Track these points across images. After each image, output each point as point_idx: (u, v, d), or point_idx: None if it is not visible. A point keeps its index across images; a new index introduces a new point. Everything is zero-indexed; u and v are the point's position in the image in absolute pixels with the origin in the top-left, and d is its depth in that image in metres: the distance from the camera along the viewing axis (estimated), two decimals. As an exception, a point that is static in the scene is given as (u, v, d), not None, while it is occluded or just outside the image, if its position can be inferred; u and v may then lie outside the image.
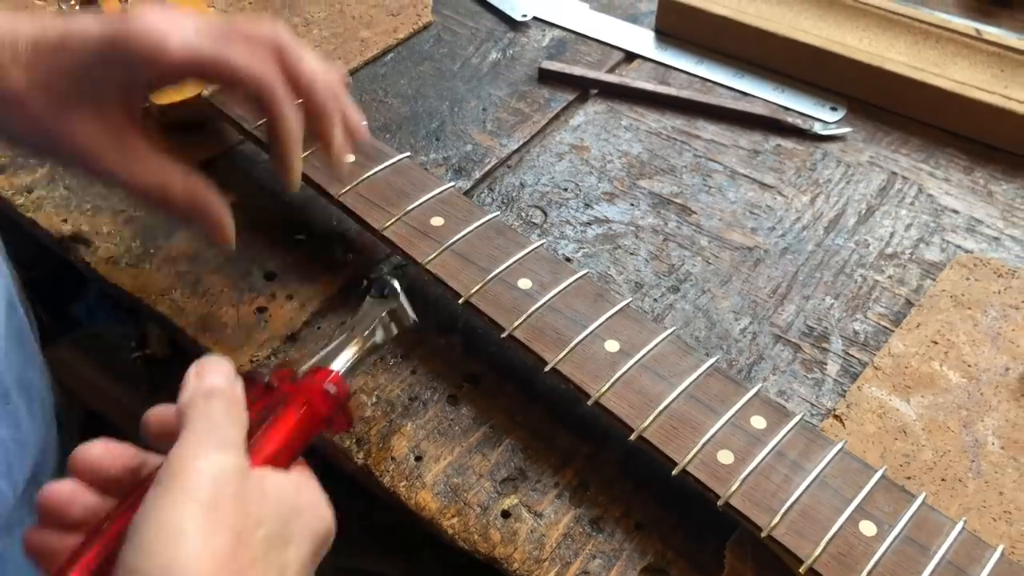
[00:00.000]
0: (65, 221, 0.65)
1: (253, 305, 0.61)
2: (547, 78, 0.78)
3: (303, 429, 0.41)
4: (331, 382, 0.43)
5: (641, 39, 0.82)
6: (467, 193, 0.68)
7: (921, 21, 0.77)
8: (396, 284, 0.48)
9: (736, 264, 0.64)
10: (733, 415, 0.48)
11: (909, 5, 0.83)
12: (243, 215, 0.64)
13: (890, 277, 0.64)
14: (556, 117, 0.75)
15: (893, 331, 0.60)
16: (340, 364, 0.45)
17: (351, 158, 0.60)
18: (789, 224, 0.67)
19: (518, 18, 0.83)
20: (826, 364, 0.58)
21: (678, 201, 0.68)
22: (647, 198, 0.68)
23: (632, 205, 0.68)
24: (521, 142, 0.72)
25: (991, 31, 0.78)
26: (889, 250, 0.66)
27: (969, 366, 0.57)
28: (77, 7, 0.76)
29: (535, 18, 0.84)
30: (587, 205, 0.67)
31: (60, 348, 0.89)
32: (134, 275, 0.62)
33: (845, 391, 0.56)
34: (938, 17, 0.79)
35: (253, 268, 0.63)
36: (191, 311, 0.60)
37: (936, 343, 0.58)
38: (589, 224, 0.66)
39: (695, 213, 0.68)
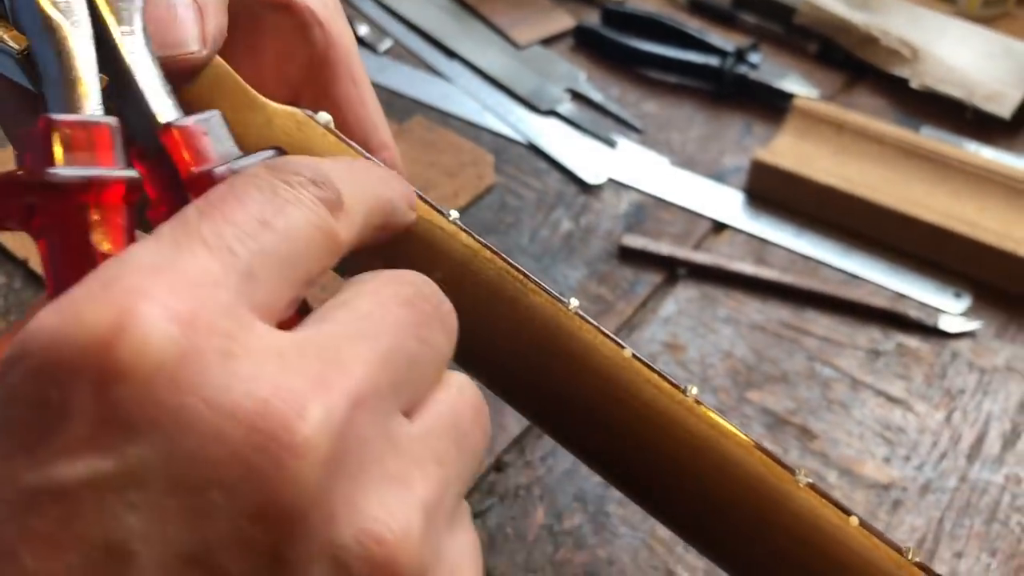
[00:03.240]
0: None
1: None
2: (629, 256, 0.69)
3: None
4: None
5: (730, 204, 0.73)
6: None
7: (1050, 193, 0.69)
8: None
9: (872, 508, 0.55)
10: None
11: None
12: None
13: (1053, 525, 0.54)
14: (643, 305, 0.66)
15: (1068, 603, 0.50)
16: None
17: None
18: (926, 451, 0.58)
19: (590, 180, 0.74)
20: (1001, 658, 0.48)
21: (796, 421, 0.59)
22: (760, 416, 0.59)
23: (743, 426, 0.58)
24: (606, 338, 0.63)
25: None
26: (1047, 487, 0.56)
27: None
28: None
29: (609, 179, 0.75)
30: (691, 428, 0.58)
31: None
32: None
33: None
34: (1068, 187, 0.70)
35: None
36: None
37: None
38: (696, 455, 0.57)
39: (818, 438, 0.58)
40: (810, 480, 0.31)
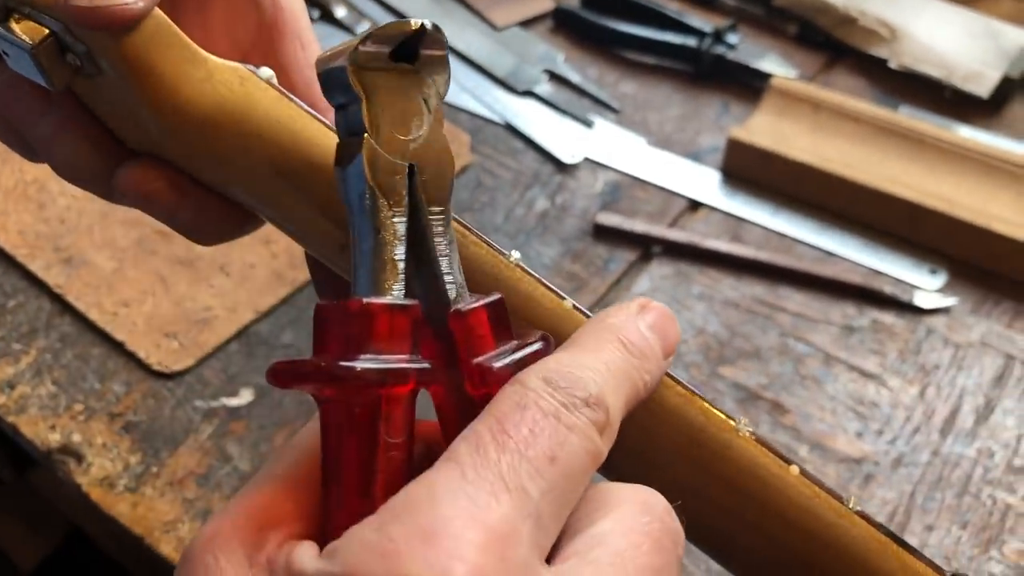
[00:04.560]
0: (53, 428, 0.55)
1: (275, 545, 0.51)
2: (604, 233, 0.68)
3: None
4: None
5: (706, 183, 0.73)
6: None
7: (1027, 169, 0.68)
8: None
9: (844, 483, 0.54)
10: None
11: (1003, 139, 0.75)
12: (256, 417, 0.55)
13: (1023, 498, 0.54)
14: (616, 282, 0.66)
15: (1039, 575, 0.50)
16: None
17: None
18: (899, 426, 0.58)
19: (566, 160, 0.74)
20: (969, 629, 0.48)
21: (768, 396, 0.59)
22: (732, 392, 0.59)
23: (715, 401, 0.58)
24: (579, 315, 0.63)
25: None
26: (1018, 461, 0.56)
27: None
28: None
29: (586, 158, 0.74)
30: (663, 403, 0.58)
31: None
32: (133, 503, 0.52)
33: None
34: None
35: (274, 493, 0.53)
36: (201, 553, 0.50)
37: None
38: (667, 429, 0.56)
39: (790, 412, 0.58)
40: (752, 430, 0.30)
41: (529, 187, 0.72)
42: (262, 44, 0.37)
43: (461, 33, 0.84)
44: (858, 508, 0.30)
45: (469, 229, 0.31)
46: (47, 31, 0.29)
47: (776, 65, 0.80)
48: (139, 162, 0.33)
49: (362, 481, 0.24)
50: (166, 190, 0.33)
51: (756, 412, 0.58)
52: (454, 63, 0.81)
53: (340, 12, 0.85)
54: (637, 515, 0.25)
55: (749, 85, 0.80)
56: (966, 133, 0.76)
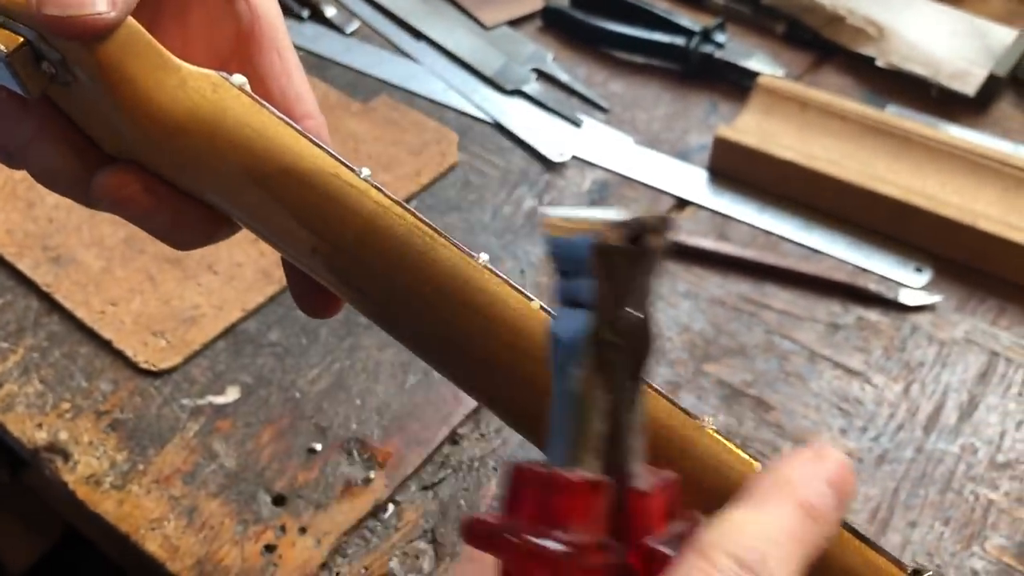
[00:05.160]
0: (40, 426, 0.56)
1: (260, 542, 0.51)
2: (591, 232, 0.68)
3: None
4: None
5: (693, 181, 0.73)
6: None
7: (1012, 166, 0.69)
8: None
9: (827, 479, 0.55)
10: None
11: (989, 137, 0.75)
12: (243, 415, 0.55)
13: (1007, 494, 0.54)
14: (603, 280, 0.66)
15: (1019, 571, 0.50)
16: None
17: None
18: (883, 423, 0.58)
19: (555, 158, 0.74)
20: (950, 624, 0.48)
21: (753, 393, 0.59)
22: (716, 388, 0.59)
23: (699, 399, 0.59)
24: (565, 313, 0.63)
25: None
26: (1001, 457, 0.56)
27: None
28: None
29: (574, 157, 0.75)
30: (648, 400, 0.58)
31: None
32: (119, 500, 0.53)
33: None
34: (1030, 162, 0.70)
35: (259, 491, 0.53)
36: (186, 550, 0.50)
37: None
38: (652, 426, 0.57)
39: (775, 409, 0.58)
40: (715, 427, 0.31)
41: (517, 186, 0.73)
42: (240, 53, 0.38)
43: (451, 32, 0.85)
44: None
45: (437, 231, 0.31)
46: (21, 39, 0.29)
47: (764, 64, 0.80)
48: (116, 168, 0.33)
49: None
50: (142, 195, 0.33)
51: (741, 409, 0.58)
52: (443, 62, 0.82)
53: (330, 11, 0.86)
54: None
55: (737, 84, 0.80)
56: (953, 131, 0.76)
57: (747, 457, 0.30)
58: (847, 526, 0.30)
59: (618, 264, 0.25)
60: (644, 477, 0.26)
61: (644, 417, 0.27)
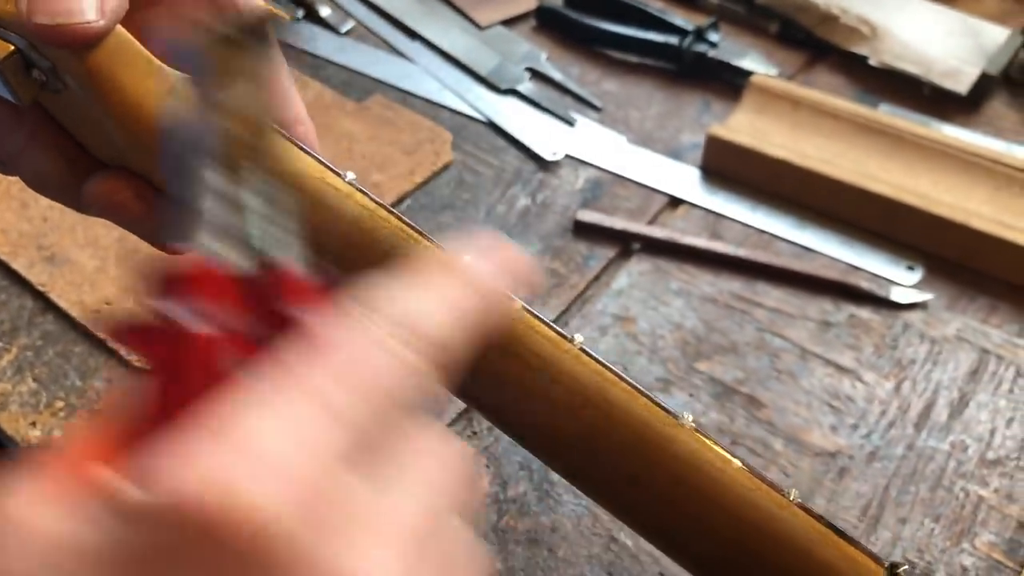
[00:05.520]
0: (34, 424, 0.56)
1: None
2: (584, 230, 0.69)
3: None
4: None
5: (686, 180, 0.73)
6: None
7: (1004, 165, 0.69)
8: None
9: (818, 476, 0.55)
10: None
11: (982, 136, 0.75)
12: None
13: (996, 491, 0.55)
14: (596, 278, 0.66)
15: (1008, 567, 0.51)
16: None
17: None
18: (874, 420, 0.58)
19: (548, 157, 0.74)
20: (939, 620, 0.49)
21: (744, 391, 0.59)
22: (708, 386, 0.59)
23: (691, 396, 0.59)
24: (559, 311, 0.63)
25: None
26: (991, 455, 0.57)
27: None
28: None
29: (567, 156, 0.75)
30: (640, 398, 0.58)
31: None
32: (112, 498, 0.53)
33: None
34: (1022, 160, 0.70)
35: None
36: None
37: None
38: (644, 424, 0.57)
39: (766, 407, 0.58)
40: (694, 423, 0.31)
41: (511, 185, 0.73)
42: None
43: (445, 32, 0.85)
44: (798, 500, 0.31)
45: (422, 234, 0.31)
46: (12, 48, 0.30)
47: (757, 63, 0.80)
48: (107, 174, 0.34)
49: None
50: (133, 201, 0.34)
51: (732, 407, 0.58)
52: (437, 61, 0.82)
53: (325, 11, 0.86)
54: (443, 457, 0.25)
55: (730, 83, 0.80)
56: (945, 130, 0.76)
57: (726, 454, 0.31)
58: (825, 522, 0.31)
59: (225, 57, 0.25)
60: (297, 270, 0.25)
61: (293, 206, 0.26)
